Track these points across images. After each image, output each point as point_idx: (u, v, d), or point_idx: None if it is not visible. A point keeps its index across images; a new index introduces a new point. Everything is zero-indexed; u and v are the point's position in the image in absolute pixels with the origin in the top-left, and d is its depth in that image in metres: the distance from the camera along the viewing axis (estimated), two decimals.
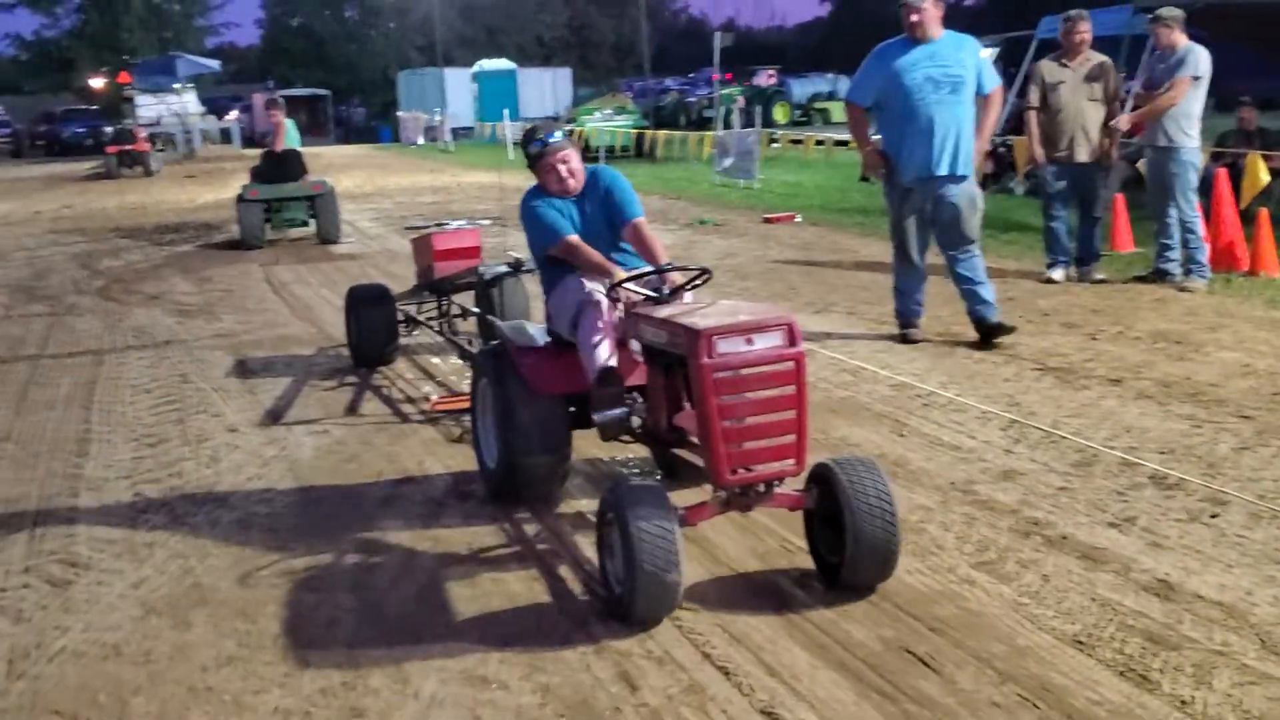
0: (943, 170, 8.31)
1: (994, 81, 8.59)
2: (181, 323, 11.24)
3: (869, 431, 6.80)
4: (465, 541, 5.42)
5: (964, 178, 8.41)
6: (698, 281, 5.23)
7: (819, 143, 26.29)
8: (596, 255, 5.49)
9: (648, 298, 5.11)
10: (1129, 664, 4.06)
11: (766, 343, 4.48)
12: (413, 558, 5.28)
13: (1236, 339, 8.47)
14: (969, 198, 8.47)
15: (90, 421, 7.78)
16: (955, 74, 8.26)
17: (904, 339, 8.86)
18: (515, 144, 39.05)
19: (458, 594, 4.87)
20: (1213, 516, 5.33)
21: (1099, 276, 10.85)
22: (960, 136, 8.31)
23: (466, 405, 6.71)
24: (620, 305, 5.28)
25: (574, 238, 5.58)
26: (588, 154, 31.05)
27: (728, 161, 22.88)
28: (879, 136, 8.93)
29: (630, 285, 5.22)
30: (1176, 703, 3.80)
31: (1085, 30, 10.60)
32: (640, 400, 5.42)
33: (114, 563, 5.37)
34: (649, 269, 5.34)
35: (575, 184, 5.72)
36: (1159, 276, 10.55)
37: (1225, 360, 7.88)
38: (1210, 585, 4.64)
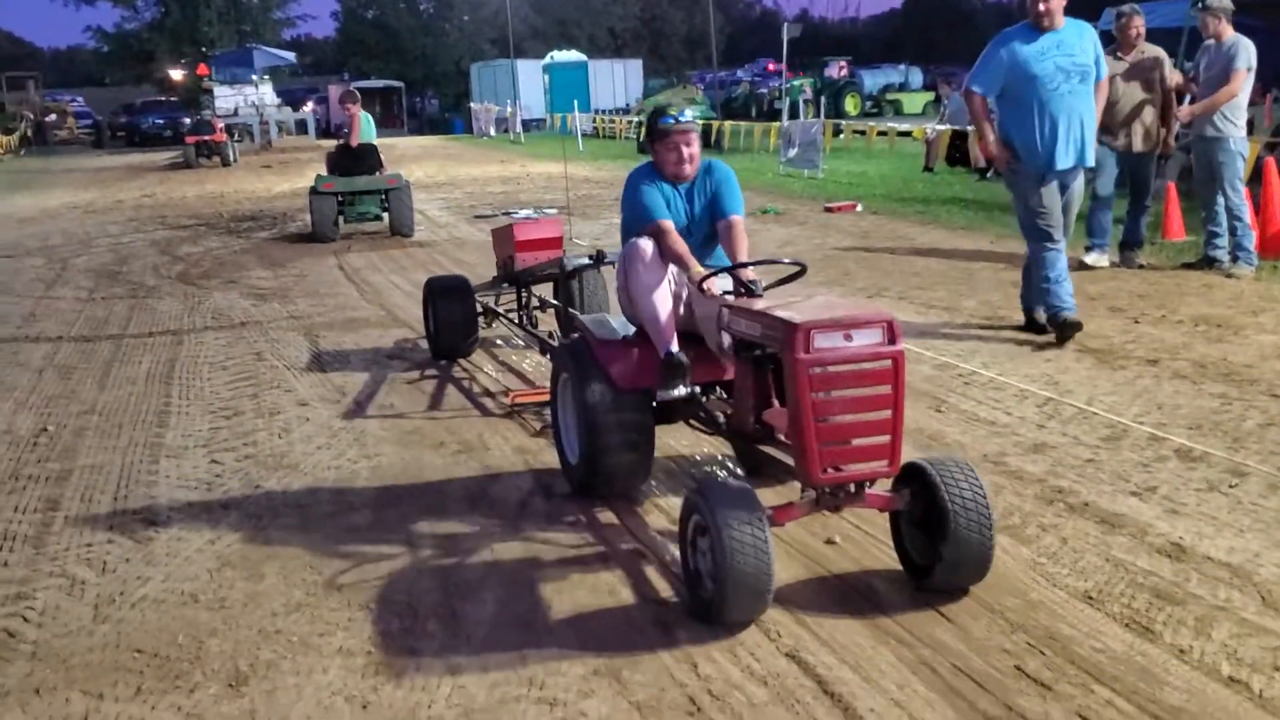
0: (1070, 162, 8.20)
1: (1104, 71, 8.46)
2: (257, 305, 11.71)
3: (907, 408, 7.04)
4: (529, 519, 5.76)
5: (1085, 168, 8.40)
6: (795, 273, 5.20)
7: (881, 133, 26.40)
8: (683, 247, 5.37)
9: (744, 291, 5.02)
10: (1134, 617, 4.32)
11: (865, 339, 4.35)
12: (472, 515, 5.65)
13: (1277, 322, 8.65)
14: (1081, 191, 8.53)
15: (170, 396, 8.21)
16: (1082, 63, 8.14)
17: (1066, 329, 8.33)
18: (585, 135, 39.54)
19: (518, 560, 5.21)
20: (1231, 486, 5.56)
21: (1141, 262, 11.05)
22: (1087, 127, 8.23)
23: (545, 398, 6.76)
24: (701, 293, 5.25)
25: (668, 223, 5.46)
26: None
27: (792, 152, 23.13)
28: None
29: (714, 282, 5.19)
30: (1175, 651, 4.07)
31: (1139, 24, 10.78)
32: (724, 395, 5.50)
33: (191, 521, 5.76)
34: (729, 265, 5.29)
35: (691, 170, 5.60)
36: (1207, 263, 10.72)
37: (1263, 343, 8.05)
38: (1220, 548, 4.88)
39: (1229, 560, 4.76)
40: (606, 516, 5.57)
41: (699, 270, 5.23)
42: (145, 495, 6.17)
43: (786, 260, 5.27)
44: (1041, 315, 8.63)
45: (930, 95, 49.07)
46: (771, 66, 60.93)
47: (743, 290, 5.03)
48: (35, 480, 6.47)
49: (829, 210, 17.03)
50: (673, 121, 5.52)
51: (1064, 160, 8.15)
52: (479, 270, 12.58)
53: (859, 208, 17.17)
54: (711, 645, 4.22)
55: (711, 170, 5.68)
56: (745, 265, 5.18)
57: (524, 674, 4.11)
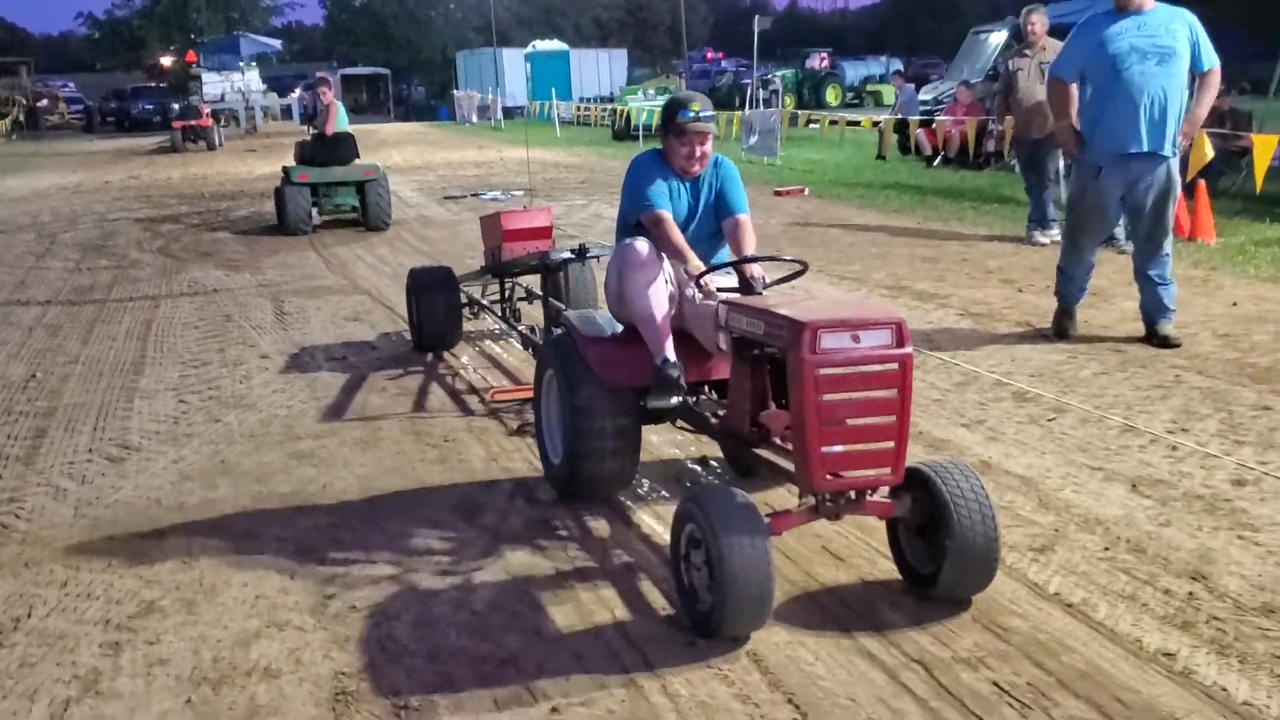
0: (1143, 147, 7.73)
1: (1213, 59, 7.84)
2: (230, 275, 12.67)
3: None
4: (443, 435, 6.70)
5: (1165, 158, 7.81)
6: (796, 271, 5.03)
7: (833, 123, 27.26)
8: (681, 240, 5.20)
9: (741, 289, 4.91)
10: None
11: (873, 341, 4.14)
12: (402, 440, 6.60)
13: None
14: (1170, 182, 7.88)
15: (146, 350, 9.15)
16: (1165, 45, 7.66)
17: (1060, 333, 8.29)
18: (565, 122, 40.40)
19: (430, 470, 6.16)
20: (1049, 420, 6.51)
21: (1044, 241, 12.00)
22: (1165, 111, 7.69)
23: (528, 394, 6.82)
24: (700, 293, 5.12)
25: (666, 214, 5.24)
26: (629, 131, 32.30)
27: (753, 139, 24.06)
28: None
29: (711, 278, 5.03)
30: None
31: (1035, 21, 11.83)
32: (714, 395, 5.37)
33: (159, 446, 6.70)
34: (729, 261, 5.17)
35: (699, 169, 5.39)
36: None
37: (1126, 309, 8.95)
38: (1020, 465, 5.83)
39: (1024, 474, 5.71)
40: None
41: (697, 264, 5.09)
42: (120, 427, 7.10)
43: (787, 258, 5.08)
44: (1166, 328, 8.06)
45: (912, 86, 50.08)
46: (710, 54, 61.74)
47: (740, 287, 4.91)
48: (25, 415, 7.41)
49: (778, 194, 17.94)
50: (691, 116, 5.26)
51: (1134, 143, 7.73)
52: (442, 247, 13.60)
53: (806, 192, 18.10)
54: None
55: (718, 165, 5.50)
56: (744, 261, 5.01)
57: (432, 556, 5.06)
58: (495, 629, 4.33)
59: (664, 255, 5.25)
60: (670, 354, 5.09)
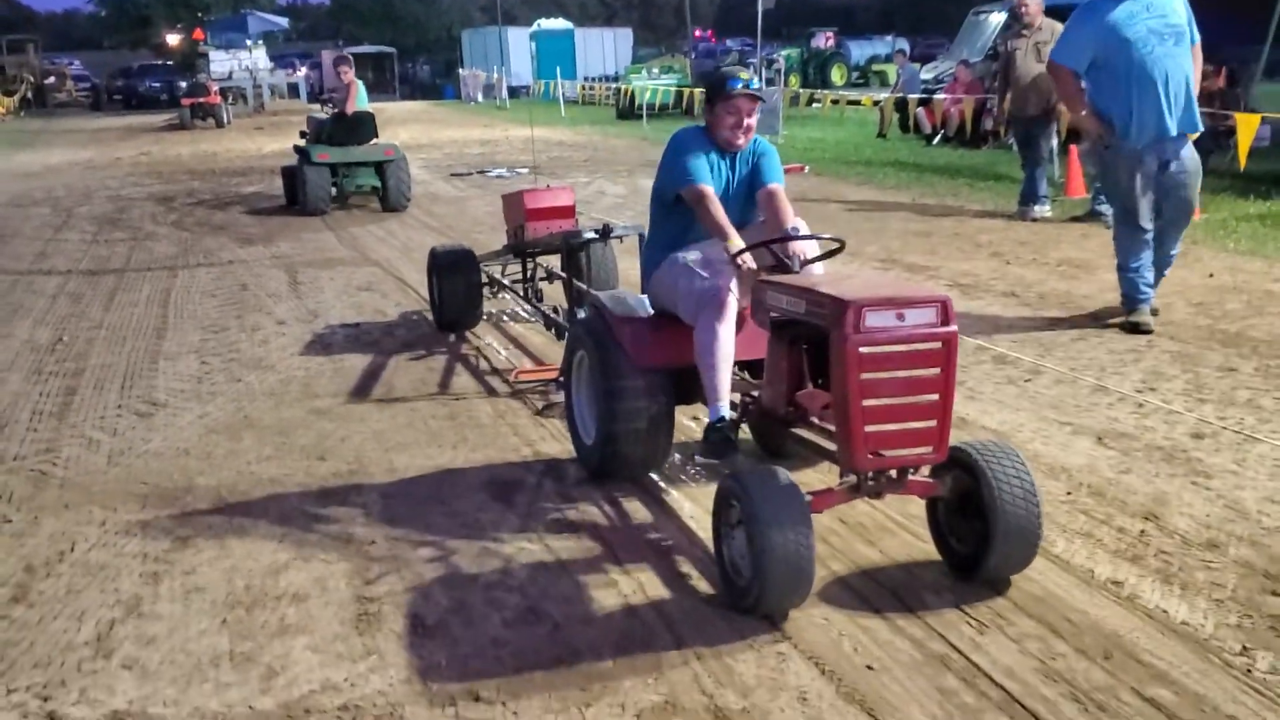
0: (1176, 129, 7.73)
1: (1198, 34, 7.89)
2: (244, 247, 13.08)
3: None
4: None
5: (1191, 135, 7.87)
6: (833, 249, 5.02)
7: (835, 102, 27.65)
8: (723, 217, 5.08)
9: (777, 267, 4.83)
10: None
11: (918, 319, 4.11)
12: (417, 399, 6.98)
13: None
14: (1196, 160, 7.95)
15: (167, 316, 9.55)
16: (1175, 24, 7.68)
17: (1134, 328, 7.93)
18: (569, 101, 40.72)
19: (443, 428, 6.55)
20: (1026, 381, 6.89)
21: (1035, 216, 12.37)
22: (1188, 91, 7.75)
23: (552, 375, 7.02)
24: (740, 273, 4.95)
25: (708, 188, 5.18)
26: (633, 111, 32.63)
27: None
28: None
29: (749, 256, 4.91)
30: None
31: (1027, 3, 12.14)
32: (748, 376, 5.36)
33: (185, 403, 7.10)
34: (770, 239, 4.95)
35: (744, 141, 5.34)
36: (1093, 216, 12.02)
37: (1108, 280, 9.27)
38: (994, 420, 6.22)
39: (997, 428, 6.09)
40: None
41: (737, 242, 4.97)
42: (146, 385, 7.50)
43: (825, 236, 5.01)
44: (1144, 315, 8.00)
45: (917, 66, 50.30)
46: (698, 34, 62.33)
47: (777, 265, 4.84)
48: (55, 375, 7.81)
49: None
50: (740, 85, 5.25)
51: (1169, 126, 7.69)
52: (449, 223, 14.01)
53: (806, 169, 18.45)
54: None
55: (756, 143, 5.46)
56: (781, 240, 4.92)
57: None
58: (511, 564, 4.73)
59: (733, 290, 4.99)
60: (726, 410, 5.00)
